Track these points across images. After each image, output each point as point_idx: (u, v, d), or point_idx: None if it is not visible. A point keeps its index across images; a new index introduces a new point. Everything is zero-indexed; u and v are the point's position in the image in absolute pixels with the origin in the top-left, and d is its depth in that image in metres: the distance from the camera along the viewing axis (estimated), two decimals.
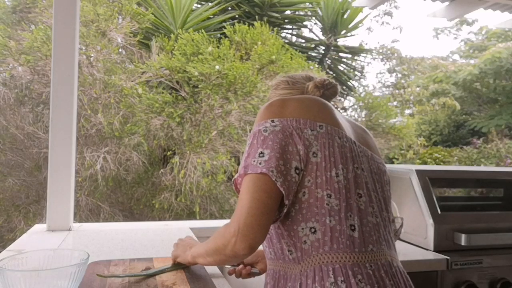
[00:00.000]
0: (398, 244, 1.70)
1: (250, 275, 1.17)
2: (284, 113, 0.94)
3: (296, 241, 0.89)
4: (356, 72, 8.84)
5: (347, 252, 0.86)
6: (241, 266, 1.17)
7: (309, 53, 7.54)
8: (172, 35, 4.96)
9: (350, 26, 7.93)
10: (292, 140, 0.90)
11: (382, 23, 13.95)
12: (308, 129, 0.92)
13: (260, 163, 0.87)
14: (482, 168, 2.43)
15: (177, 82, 4.72)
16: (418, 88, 12.06)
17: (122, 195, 4.68)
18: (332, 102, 1.13)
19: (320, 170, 0.89)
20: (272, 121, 0.93)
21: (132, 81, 4.54)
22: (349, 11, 7.71)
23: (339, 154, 0.92)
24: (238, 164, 4.46)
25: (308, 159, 0.90)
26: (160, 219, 4.38)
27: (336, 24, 7.76)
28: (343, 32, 7.92)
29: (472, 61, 12.38)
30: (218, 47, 4.77)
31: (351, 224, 0.88)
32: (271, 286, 0.95)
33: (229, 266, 1.19)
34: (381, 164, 1.05)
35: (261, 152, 0.88)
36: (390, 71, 14.83)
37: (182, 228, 1.83)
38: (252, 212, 0.84)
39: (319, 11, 7.89)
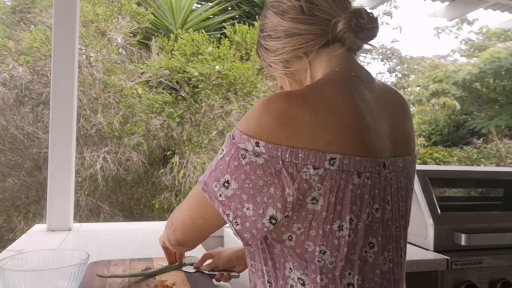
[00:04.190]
0: None
1: (231, 278, 1.15)
2: (279, 135, 0.65)
3: (279, 277, 0.72)
4: None
5: None
6: (219, 273, 1.13)
7: None
8: (171, 35, 4.96)
9: None
10: (279, 181, 0.65)
11: (382, 23, 13.96)
12: (310, 167, 0.65)
13: (220, 195, 0.68)
14: (482, 168, 2.44)
15: (177, 82, 4.72)
16: (418, 88, 12.07)
17: (122, 195, 4.68)
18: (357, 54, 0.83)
19: (318, 221, 0.67)
20: (257, 144, 0.66)
21: (132, 81, 4.54)
22: None
23: (350, 200, 0.67)
24: None
25: (302, 205, 0.66)
26: (160, 219, 4.38)
27: None
28: None
29: (472, 61, 12.39)
30: (218, 47, 4.76)
31: (349, 283, 0.70)
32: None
33: (207, 272, 1.16)
34: (413, 163, 0.83)
35: (227, 181, 0.68)
36: (390, 71, 14.84)
37: None
38: (184, 227, 0.78)
39: None
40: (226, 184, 0.68)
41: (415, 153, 0.84)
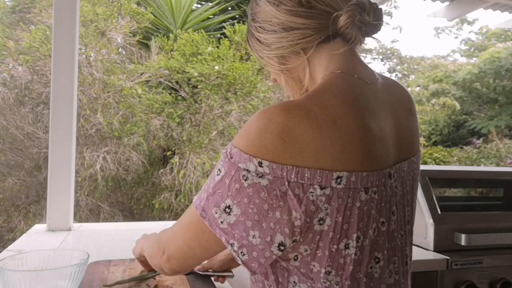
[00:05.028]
0: None
1: (226, 278, 1.15)
2: (283, 154, 0.60)
3: None
4: None
5: None
6: (215, 277, 1.12)
7: None
8: (171, 35, 4.96)
9: None
10: (284, 204, 0.60)
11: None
12: (316, 186, 0.60)
13: (221, 222, 0.63)
14: (482, 168, 2.44)
15: (177, 83, 4.72)
16: (418, 88, 12.08)
17: (122, 195, 4.69)
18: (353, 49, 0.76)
19: (324, 241, 0.63)
20: (260, 163, 0.60)
21: (131, 81, 4.54)
22: None
23: (357, 217, 0.63)
24: None
25: (310, 227, 0.62)
26: (160, 219, 4.39)
27: None
28: None
29: (472, 61, 12.41)
30: (217, 47, 4.77)
31: None
32: None
33: (200, 272, 1.16)
34: (418, 163, 0.79)
35: (229, 206, 0.62)
36: (390, 71, 14.84)
37: None
38: (181, 256, 0.72)
39: None
40: (228, 210, 0.62)
41: (419, 152, 0.80)
